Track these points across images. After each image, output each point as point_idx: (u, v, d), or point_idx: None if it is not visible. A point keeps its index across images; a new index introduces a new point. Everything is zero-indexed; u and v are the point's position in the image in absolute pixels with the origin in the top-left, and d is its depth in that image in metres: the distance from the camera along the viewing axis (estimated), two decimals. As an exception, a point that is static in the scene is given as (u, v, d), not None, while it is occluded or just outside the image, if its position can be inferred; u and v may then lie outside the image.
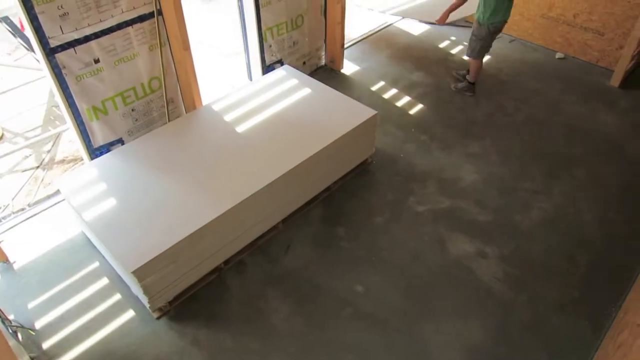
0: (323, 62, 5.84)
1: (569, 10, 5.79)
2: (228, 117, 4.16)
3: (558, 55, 6.06)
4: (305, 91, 4.45)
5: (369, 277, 3.61)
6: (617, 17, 5.46)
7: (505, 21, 4.73)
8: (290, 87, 4.49)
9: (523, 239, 3.88)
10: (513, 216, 4.06)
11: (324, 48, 5.72)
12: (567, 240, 3.87)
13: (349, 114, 4.17)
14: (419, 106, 5.27)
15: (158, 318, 3.35)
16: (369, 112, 4.18)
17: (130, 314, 3.40)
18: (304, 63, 5.56)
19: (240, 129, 4.04)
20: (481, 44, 4.88)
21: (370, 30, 6.40)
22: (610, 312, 3.39)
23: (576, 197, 4.22)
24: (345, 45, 5.83)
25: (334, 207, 4.13)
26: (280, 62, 5.22)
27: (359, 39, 6.34)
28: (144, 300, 3.25)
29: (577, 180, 4.38)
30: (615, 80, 5.50)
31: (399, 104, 5.30)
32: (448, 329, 3.31)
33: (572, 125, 4.99)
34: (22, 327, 3.29)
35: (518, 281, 3.59)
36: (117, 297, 3.49)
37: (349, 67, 5.81)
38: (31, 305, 3.45)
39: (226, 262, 3.62)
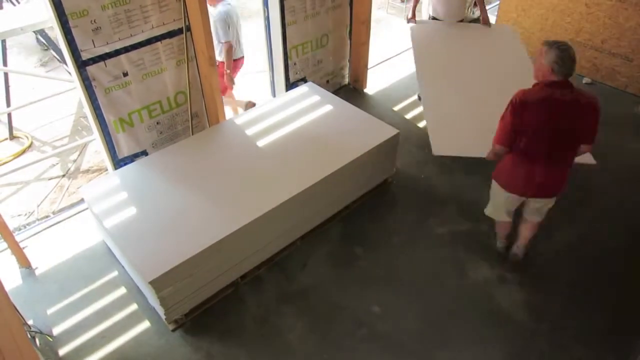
0: (347, 81, 5.87)
1: (597, 36, 5.74)
2: (250, 132, 4.20)
3: (585, 80, 5.99)
4: (328, 108, 4.47)
5: (386, 297, 3.57)
6: (646, 44, 5.39)
7: None
8: (313, 104, 4.53)
9: (545, 265, 3.79)
10: (535, 242, 3.97)
11: (348, 67, 5.77)
12: (591, 270, 3.77)
13: (371, 132, 4.17)
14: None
15: (173, 330, 3.36)
16: (391, 131, 4.17)
17: (145, 324, 3.41)
18: (328, 82, 5.61)
19: (262, 143, 4.07)
20: None
21: (395, 52, 6.43)
22: (636, 345, 3.27)
23: (601, 226, 4.11)
24: (370, 66, 5.86)
25: (352, 226, 4.11)
26: (304, 80, 5.27)
27: (384, 59, 6.38)
28: (161, 311, 3.26)
29: (602, 209, 4.27)
30: (643, 107, 5.41)
31: (421, 124, 5.29)
32: (464, 356, 3.23)
33: (598, 152, 4.88)
34: (41, 332, 3.33)
35: (539, 309, 3.49)
36: (134, 307, 3.52)
37: (372, 87, 5.84)
38: (50, 311, 3.49)
39: (243, 276, 3.62)
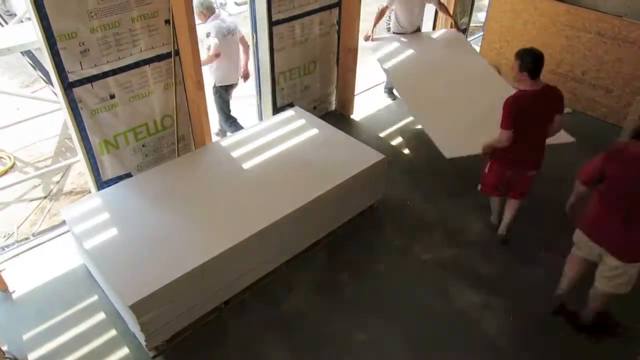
0: (333, 107, 5.93)
1: (577, 67, 5.90)
2: (236, 155, 4.19)
3: (566, 110, 6.11)
4: (314, 132, 4.50)
5: (371, 325, 3.53)
6: (625, 76, 5.54)
7: None
8: (298, 127, 4.55)
9: (530, 292, 3.80)
10: (519, 269, 3.99)
11: (335, 93, 5.83)
12: (575, 297, 3.78)
13: (357, 156, 4.19)
14: (427, 154, 5.29)
15: (154, 357, 3.27)
16: (377, 156, 4.20)
17: (125, 351, 3.32)
18: (315, 107, 5.66)
19: (248, 166, 4.07)
20: None
21: (382, 79, 6.52)
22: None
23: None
24: (356, 92, 5.93)
25: (338, 252, 4.09)
26: (291, 105, 5.30)
27: (371, 86, 6.46)
28: (141, 337, 3.18)
29: (585, 236, 4.31)
30: (624, 137, 5.52)
31: (407, 151, 5.34)
32: (450, 384, 3.20)
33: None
34: (16, 358, 3.22)
35: (524, 336, 3.49)
36: (113, 333, 3.43)
37: (359, 113, 5.90)
38: (26, 336, 3.39)
39: (227, 302, 3.57)
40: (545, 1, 5.89)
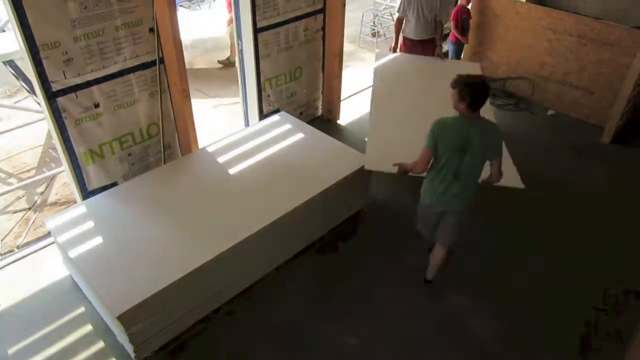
0: (320, 112, 5.95)
1: (559, 70, 5.99)
2: (222, 161, 4.17)
3: (550, 112, 6.21)
4: (300, 136, 4.49)
5: (362, 330, 3.53)
6: (606, 77, 5.64)
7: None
8: (285, 132, 4.55)
9: (519, 295, 3.83)
10: (509, 272, 4.02)
11: (321, 99, 5.85)
12: (564, 299, 3.82)
13: (344, 160, 4.18)
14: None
15: (142, 368, 3.24)
16: (364, 160, 4.20)
17: (113, 363, 3.29)
18: (301, 113, 5.66)
19: (234, 173, 4.05)
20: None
21: (367, 84, 6.55)
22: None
23: (571, 254, 4.20)
24: (342, 98, 5.95)
25: (327, 258, 4.09)
26: (277, 112, 5.30)
27: (357, 91, 6.48)
28: (129, 349, 3.14)
29: (571, 237, 4.37)
30: (607, 137, 5.62)
31: (394, 155, 5.35)
32: (442, 387, 3.21)
33: (565, 181, 5.04)
34: (1, 374, 3.17)
35: (514, 339, 3.51)
36: (101, 345, 3.39)
37: (345, 118, 5.92)
38: (11, 351, 3.33)
39: (216, 311, 3.54)
40: (526, 5, 5.99)
